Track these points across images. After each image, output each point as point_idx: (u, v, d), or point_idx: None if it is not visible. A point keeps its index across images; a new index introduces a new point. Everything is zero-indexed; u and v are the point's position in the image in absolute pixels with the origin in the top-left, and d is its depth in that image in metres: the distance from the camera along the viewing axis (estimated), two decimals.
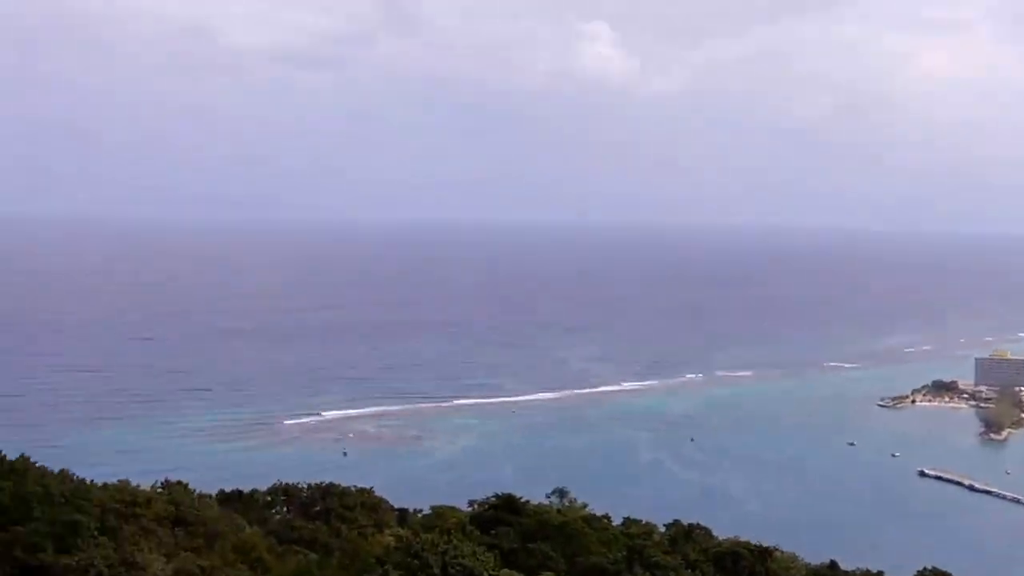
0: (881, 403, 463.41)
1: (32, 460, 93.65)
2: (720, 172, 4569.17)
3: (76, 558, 73.16)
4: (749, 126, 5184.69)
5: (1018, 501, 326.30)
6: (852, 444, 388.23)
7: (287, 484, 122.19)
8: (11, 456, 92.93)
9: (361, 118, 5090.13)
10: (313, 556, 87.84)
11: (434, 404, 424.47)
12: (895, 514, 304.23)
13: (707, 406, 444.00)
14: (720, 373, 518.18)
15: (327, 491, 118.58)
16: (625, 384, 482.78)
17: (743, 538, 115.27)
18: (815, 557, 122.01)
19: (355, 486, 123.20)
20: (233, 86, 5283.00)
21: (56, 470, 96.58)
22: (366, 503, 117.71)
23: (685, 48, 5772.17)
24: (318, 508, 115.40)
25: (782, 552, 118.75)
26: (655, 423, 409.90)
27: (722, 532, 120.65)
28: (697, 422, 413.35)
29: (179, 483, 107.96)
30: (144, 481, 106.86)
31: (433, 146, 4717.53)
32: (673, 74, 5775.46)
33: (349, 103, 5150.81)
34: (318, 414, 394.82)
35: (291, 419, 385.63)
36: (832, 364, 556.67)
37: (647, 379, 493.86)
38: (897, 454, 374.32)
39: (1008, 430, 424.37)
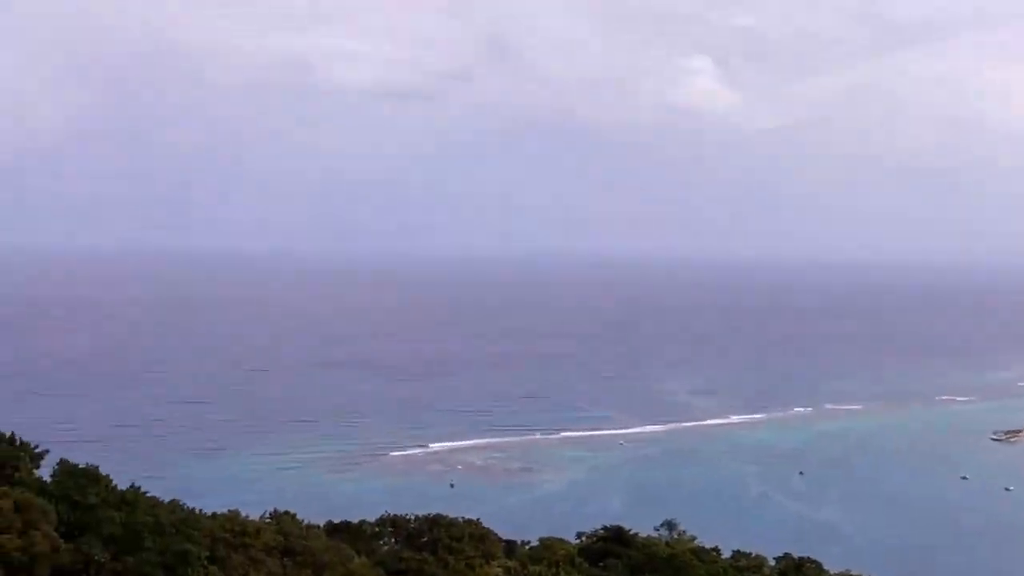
0: (994, 437, 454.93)
1: (143, 491, 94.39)
2: (821, 206, 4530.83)
3: None
4: (852, 160, 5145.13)
5: None
6: (965, 478, 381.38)
7: (394, 515, 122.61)
8: (122, 486, 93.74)
9: (458, 152, 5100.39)
10: None
11: (541, 436, 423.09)
12: (1009, 549, 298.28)
13: (816, 439, 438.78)
14: (829, 406, 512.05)
15: (434, 522, 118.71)
16: (733, 417, 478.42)
17: (853, 571, 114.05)
18: None
19: (462, 517, 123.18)
20: (332, 120, 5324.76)
21: (166, 500, 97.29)
22: (473, 534, 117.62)
23: (788, 83, 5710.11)
24: (425, 539, 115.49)
25: None
26: (763, 456, 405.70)
27: (832, 566, 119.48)
28: (806, 455, 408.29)
29: (287, 513, 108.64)
30: (253, 511, 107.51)
31: (530, 179, 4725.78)
32: (776, 109, 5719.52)
33: (447, 137, 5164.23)
34: (425, 446, 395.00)
35: (398, 450, 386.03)
36: (943, 397, 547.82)
37: (755, 412, 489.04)
38: (1011, 488, 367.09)
39: None
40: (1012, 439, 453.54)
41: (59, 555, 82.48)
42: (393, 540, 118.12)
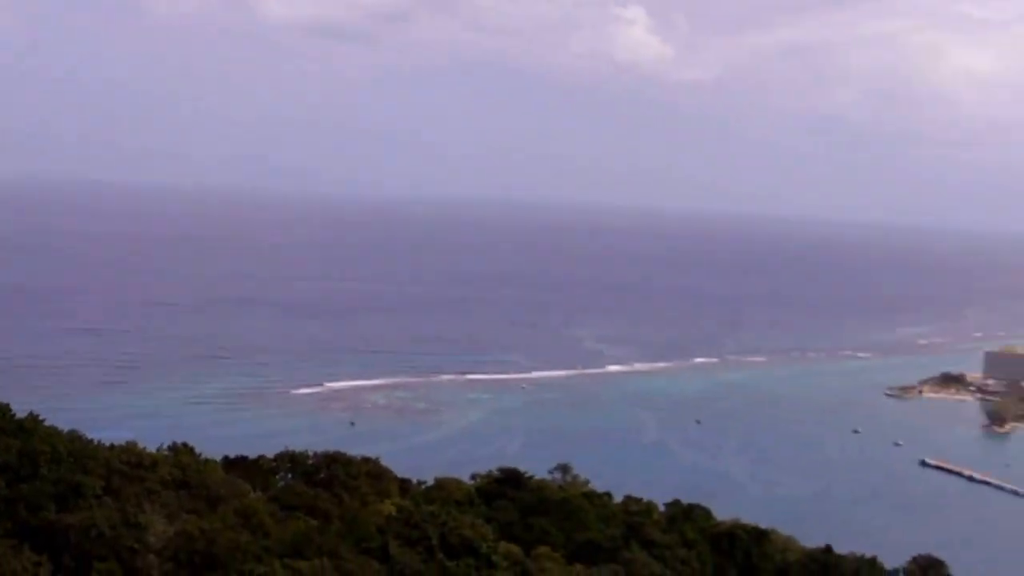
0: (888, 392, 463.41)
1: (41, 419, 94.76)
2: (746, 161, 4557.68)
3: (78, 517, 74.26)
4: (777, 118, 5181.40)
5: (1017, 493, 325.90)
6: (857, 432, 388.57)
7: (293, 451, 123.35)
8: (20, 415, 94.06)
9: (392, 93, 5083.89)
10: (313, 522, 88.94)
11: (446, 378, 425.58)
12: (894, 502, 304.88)
13: (716, 389, 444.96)
14: (732, 357, 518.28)
15: (332, 459, 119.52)
16: (637, 365, 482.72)
17: (742, 520, 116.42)
18: (812, 541, 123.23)
19: (360, 455, 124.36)
20: (269, 58, 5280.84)
21: (66, 431, 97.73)
22: (370, 472, 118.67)
23: (722, 38, 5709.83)
24: (322, 476, 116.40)
25: (779, 534, 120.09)
26: (663, 404, 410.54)
27: (722, 513, 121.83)
28: (705, 405, 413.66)
29: (185, 446, 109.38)
30: (152, 445, 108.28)
31: (458, 123, 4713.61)
32: (708, 63, 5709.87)
33: (382, 78, 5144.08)
34: (329, 384, 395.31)
35: (302, 388, 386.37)
36: (844, 352, 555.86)
37: (658, 361, 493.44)
38: (900, 443, 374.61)
39: (1012, 424, 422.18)
40: (905, 395, 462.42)
41: None
42: (290, 476, 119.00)
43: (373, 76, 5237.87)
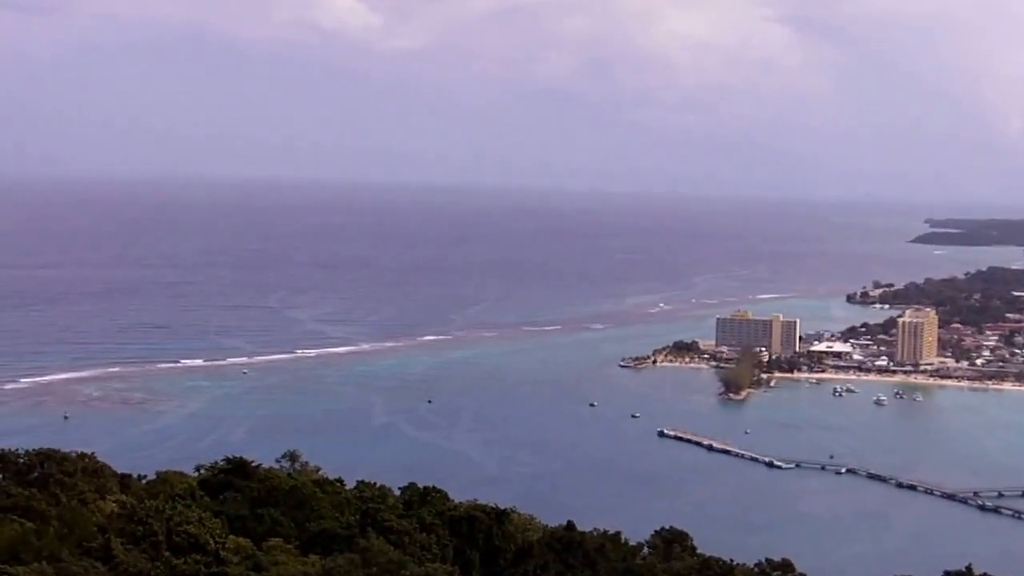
0: (623, 364, 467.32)
1: None
2: (459, 132, 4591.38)
3: None
4: (489, 86, 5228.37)
5: (756, 460, 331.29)
6: (593, 405, 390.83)
7: (3, 450, 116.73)
8: None
9: (83, 69, 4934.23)
10: (30, 525, 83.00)
11: (163, 366, 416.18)
12: (634, 475, 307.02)
13: (447, 367, 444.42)
14: (461, 333, 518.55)
15: (46, 456, 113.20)
16: (363, 345, 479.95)
17: (480, 501, 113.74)
18: (553, 519, 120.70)
19: (76, 451, 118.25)
20: None
21: None
22: (87, 468, 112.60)
23: (430, 4, 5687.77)
24: (36, 475, 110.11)
25: (519, 514, 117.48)
26: (392, 384, 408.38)
27: (459, 495, 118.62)
28: (436, 384, 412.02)
29: None
30: None
31: (160, 98, 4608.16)
32: (417, 31, 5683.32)
33: (73, 52, 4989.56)
34: (38, 378, 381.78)
35: (8, 384, 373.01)
36: (576, 325, 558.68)
37: (385, 340, 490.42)
38: (637, 415, 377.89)
39: (747, 390, 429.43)
40: (640, 366, 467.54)
41: None
42: (0, 477, 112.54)
43: (61, 49, 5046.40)
